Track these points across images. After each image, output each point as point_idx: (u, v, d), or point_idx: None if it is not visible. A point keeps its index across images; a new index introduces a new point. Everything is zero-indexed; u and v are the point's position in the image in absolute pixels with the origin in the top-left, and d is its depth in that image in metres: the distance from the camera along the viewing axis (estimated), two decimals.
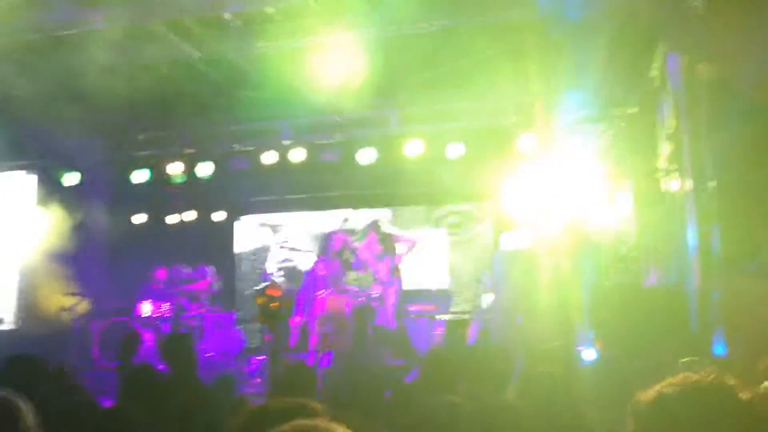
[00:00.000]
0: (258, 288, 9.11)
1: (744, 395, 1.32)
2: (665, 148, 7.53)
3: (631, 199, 8.69)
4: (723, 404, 1.30)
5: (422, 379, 4.02)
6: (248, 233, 12.41)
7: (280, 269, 11.47)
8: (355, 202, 11.72)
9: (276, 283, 7.99)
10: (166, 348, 5.04)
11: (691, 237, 6.28)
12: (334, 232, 8.66)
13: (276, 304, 7.42)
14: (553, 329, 6.89)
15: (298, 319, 8.66)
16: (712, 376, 1.37)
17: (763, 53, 5.14)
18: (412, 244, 8.91)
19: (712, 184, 5.88)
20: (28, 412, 2.37)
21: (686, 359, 4.22)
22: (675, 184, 7.16)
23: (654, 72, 7.91)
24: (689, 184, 6.39)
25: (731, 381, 1.35)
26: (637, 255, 8.56)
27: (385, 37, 8.10)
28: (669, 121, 7.17)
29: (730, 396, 1.31)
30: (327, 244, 8.50)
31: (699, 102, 6.08)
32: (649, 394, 1.39)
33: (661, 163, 7.84)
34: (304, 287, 8.66)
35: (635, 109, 8.76)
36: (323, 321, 7.96)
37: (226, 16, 7.83)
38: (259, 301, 7.51)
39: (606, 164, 8.74)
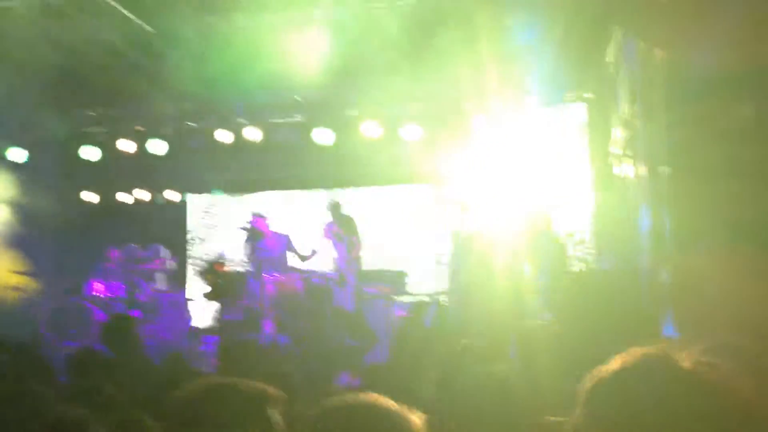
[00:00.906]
0: (205, 265, 9.02)
1: (686, 364, 1.35)
2: (620, 133, 7.66)
3: (589, 182, 8.84)
4: (665, 374, 1.32)
5: (390, 360, 4.04)
6: (201, 212, 12.23)
7: (233, 248, 11.34)
8: (312, 184, 11.64)
9: (223, 259, 7.90)
10: (106, 331, 4.96)
11: (644, 220, 6.42)
12: (256, 217, 8.57)
13: (221, 280, 7.38)
14: (509, 311, 6.99)
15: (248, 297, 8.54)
16: (654, 348, 1.40)
17: (719, 40, 5.24)
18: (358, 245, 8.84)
19: (664, 169, 6.00)
20: None
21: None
22: (629, 169, 7.30)
23: (609, 57, 8.01)
24: (642, 168, 6.51)
25: (675, 353, 1.38)
26: (593, 238, 8.73)
27: (343, 17, 8.02)
28: (624, 106, 7.29)
29: (672, 366, 1.34)
30: (253, 231, 8.41)
31: (654, 87, 6.17)
32: (593, 375, 1.42)
33: (616, 147, 7.97)
34: (255, 265, 8.56)
35: (591, 94, 8.88)
36: (278, 302, 7.90)
37: None
38: (207, 277, 7.46)
39: (563, 148, 8.86)
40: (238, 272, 8.54)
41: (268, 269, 8.12)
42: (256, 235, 8.32)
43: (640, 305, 6.15)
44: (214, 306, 7.92)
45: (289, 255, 8.79)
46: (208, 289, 7.61)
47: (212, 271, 7.47)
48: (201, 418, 1.73)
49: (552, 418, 2.87)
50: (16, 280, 8.87)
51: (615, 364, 1.38)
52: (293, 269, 8.87)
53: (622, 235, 7.63)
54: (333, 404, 1.49)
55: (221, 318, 7.98)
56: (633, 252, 7.09)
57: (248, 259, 8.38)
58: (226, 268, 7.51)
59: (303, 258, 8.73)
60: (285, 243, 8.44)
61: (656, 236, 6.20)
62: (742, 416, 1.26)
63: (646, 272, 6.47)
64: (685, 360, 1.34)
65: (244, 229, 9.06)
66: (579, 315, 6.10)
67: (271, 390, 1.78)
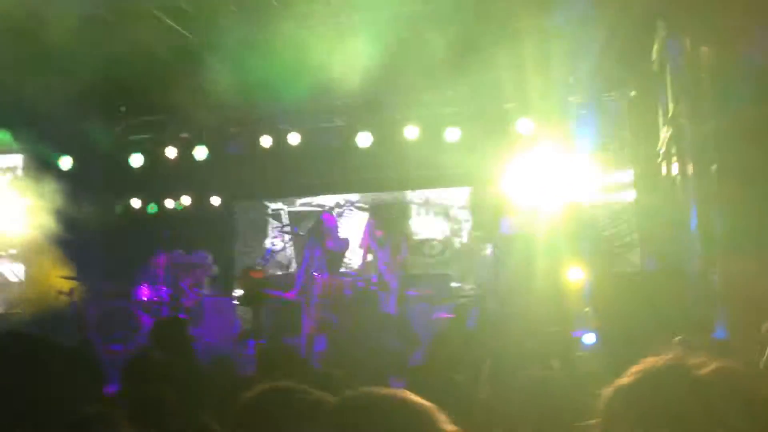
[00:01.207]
0: (241, 271, 9.09)
1: (701, 372, 1.32)
2: (665, 132, 7.52)
3: (632, 183, 8.70)
4: (679, 384, 1.30)
5: (427, 361, 4.04)
6: (247, 217, 12.38)
7: (277, 252, 11.44)
8: (354, 187, 11.69)
9: (259, 266, 7.93)
10: (158, 334, 5.03)
11: (692, 220, 6.29)
12: (327, 213, 8.55)
13: (255, 287, 7.43)
14: (552, 314, 6.91)
15: (293, 295, 8.56)
16: (668, 357, 1.37)
17: (765, 36, 5.12)
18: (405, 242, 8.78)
19: (713, 167, 5.88)
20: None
21: (679, 337, 4.22)
22: (675, 168, 7.16)
23: (654, 54, 7.88)
24: (689, 167, 6.39)
25: (690, 360, 1.36)
26: (638, 239, 8.58)
27: (382, 21, 8.05)
28: (669, 104, 7.16)
29: (686, 375, 1.31)
30: (322, 226, 8.37)
31: (700, 85, 6.06)
32: (608, 389, 1.40)
33: (662, 146, 7.83)
34: (302, 269, 8.60)
35: (635, 93, 8.74)
36: (321, 305, 7.93)
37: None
38: (242, 283, 7.53)
39: (606, 148, 8.73)
40: (274, 277, 8.58)
41: (322, 269, 8.15)
42: (323, 232, 8.32)
43: (689, 308, 6.02)
44: (254, 310, 7.98)
45: (346, 258, 8.79)
46: (242, 294, 7.71)
47: (246, 277, 7.54)
48: (265, 422, 1.74)
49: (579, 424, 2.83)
50: (64, 284, 9.08)
51: (631, 375, 1.37)
52: (341, 272, 8.92)
53: (670, 236, 7.48)
54: (355, 395, 1.49)
55: (258, 322, 8.05)
56: (681, 253, 6.95)
57: (308, 255, 8.40)
58: (260, 275, 7.56)
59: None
60: (345, 246, 8.46)
61: (704, 237, 6.07)
62: (762, 420, 1.23)
63: (694, 274, 6.34)
64: (701, 367, 1.32)
65: (311, 227, 9.10)
66: (625, 318, 6.00)
67: (329, 396, 1.78)
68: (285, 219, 12.13)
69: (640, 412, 1.32)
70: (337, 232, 8.38)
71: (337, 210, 11.63)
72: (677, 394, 1.29)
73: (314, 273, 8.17)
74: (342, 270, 8.76)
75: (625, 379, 1.39)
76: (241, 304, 8.71)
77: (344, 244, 8.42)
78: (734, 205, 5.62)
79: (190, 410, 2.74)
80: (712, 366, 1.34)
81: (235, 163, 11.37)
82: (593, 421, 1.42)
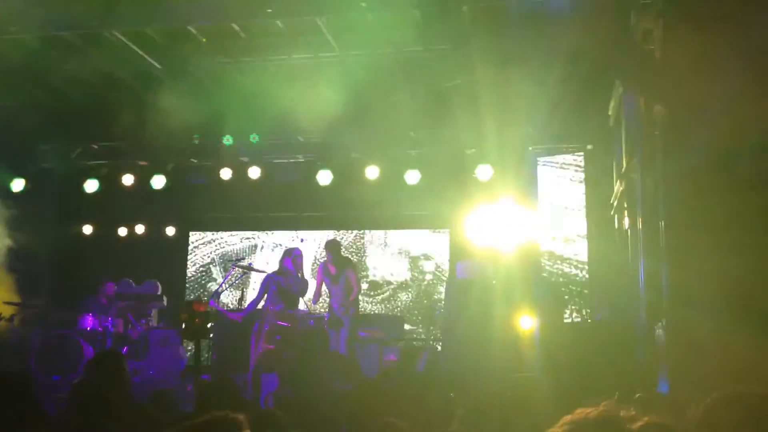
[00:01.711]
0: (184, 304, 8.92)
1: (632, 426, 1.33)
2: (619, 186, 7.70)
3: (585, 233, 8.85)
4: None
5: (365, 400, 3.98)
6: (201, 249, 12.22)
7: (230, 286, 11.29)
8: (312, 224, 11.66)
9: (201, 299, 7.77)
10: (92, 367, 4.87)
11: (640, 273, 6.40)
12: (293, 249, 8.47)
13: (198, 320, 7.29)
14: (503, 360, 6.92)
15: (238, 317, 8.40)
16: (600, 410, 1.38)
17: (718, 100, 5.31)
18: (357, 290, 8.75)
19: (661, 222, 6.02)
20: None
21: (639, 395, 4.25)
22: (626, 221, 7.31)
23: (611, 110, 8.11)
24: (640, 221, 6.53)
25: (622, 413, 1.37)
26: (590, 289, 8.69)
27: (349, 61, 8.15)
28: (623, 158, 7.35)
29: (617, 428, 1.32)
30: (285, 259, 8.29)
31: (652, 142, 6.23)
32: None
33: (615, 200, 8.00)
34: (255, 299, 8.46)
35: (591, 146, 8.96)
36: (271, 335, 7.81)
37: (191, 30, 7.79)
38: (183, 317, 7.38)
39: (562, 198, 8.89)
40: (217, 312, 8.40)
41: (275, 303, 8.03)
42: (286, 270, 8.24)
43: (635, 358, 6.08)
44: (197, 344, 7.81)
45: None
46: (183, 327, 7.55)
47: (190, 310, 7.40)
48: None
49: None
50: (6, 310, 8.80)
51: (562, 425, 1.37)
52: (292, 308, 8.82)
53: (620, 288, 7.60)
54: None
55: (199, 357, 7.88)
56: (629, 305, 7.05)
57: (262, 289, 8.28)
58: (204, 308, 7.42)
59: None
60: (304, 287, 8.35)
61: (652, 288, 6.17)
62: None
63: (641, 325, 6.42)
64: (633, 421, 1.33)
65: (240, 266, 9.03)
66: (574, 367, 6.03)
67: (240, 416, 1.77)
68: (240, 253, 12.01)
69: None
70: (300, 270, 8.30)
71: (291, 245, 11.57)
72: None
73: (268, 305, 8.06)
74: (296, 306, 8.67)
75: (556, 429, 1.38)
76: (183, 338, 8.51)
77: (303, 285, 8.32)
78: (681, 257, 5.74)
79: None
80: (643, 421, 1.35)
81: (194, 194, 11.27)
82: None
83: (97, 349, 8.99)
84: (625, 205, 7.41)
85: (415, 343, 10.22)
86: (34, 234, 10.00)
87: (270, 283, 8.19)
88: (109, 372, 4.71)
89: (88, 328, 9.32)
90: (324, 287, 8.56)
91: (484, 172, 9.50)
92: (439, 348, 9.22)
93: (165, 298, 10.36)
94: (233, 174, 10.46)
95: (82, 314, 9.54)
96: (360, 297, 9.15)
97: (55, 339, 8.97)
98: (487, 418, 3.50)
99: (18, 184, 10.66)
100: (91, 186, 10.78)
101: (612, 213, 8.23)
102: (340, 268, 8.43)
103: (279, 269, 8.31)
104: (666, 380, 5.60)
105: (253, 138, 9.91)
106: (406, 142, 9.92)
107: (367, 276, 11.35)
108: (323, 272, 8.53)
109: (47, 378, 8.62)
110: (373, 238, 11.67)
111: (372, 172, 10.04)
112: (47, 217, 10.80)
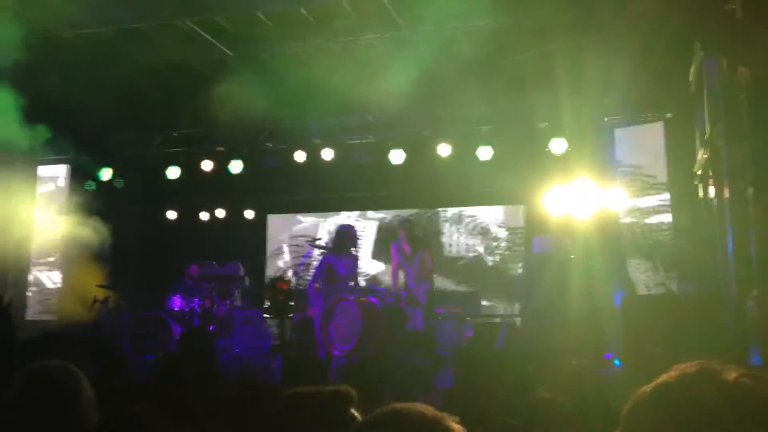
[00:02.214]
0: (268, 281, 9.11)
1: (729, 375, 1.27)
2: (702, 154, 7.40)
3: (669, 205, 8.55)
4: (707, 388, 1.25)
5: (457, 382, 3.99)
6: (280, 230, 12.49)
7: (308, 266, 11.49)
8: (386, 203, 11.72)
9: (286, 276, 7.89)
10: (184, 343, 5.09)
11: (729, 244, 6.15)
12: (351, 227, 8.41)
13: (282, 297, 7.42)
14: (583, 336, 6.81)
15: (315, 312, 8.46)
16: (697, 363, 1.33)
17: None
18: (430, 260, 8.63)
19: (749, 190, 5.76)
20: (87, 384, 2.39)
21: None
22: (712, 190, 7.03)
23: (691, 75, 7.78)
24: (726, 190, 6.26)
25: (717, 365, 1.31)
26: (674, 261, 8.41)
27: (417, 38, 8.10)
28: (706, 126, 7.04)
29: (714, 378, 1.26)
30: (346, 239, 8.22)
31: (737, 106, 5.95)
32: (632, 399, 1.37)
33: (698, 168, 7.70)
34: (324, 283, 8.52)
35: (671, 114, 8.62)
36: (349, 322, 7.90)
37: (260, 15, 7.89)
38: (267, 294, 7.53)
39: (643, 170, 8.61)
40: (301, 290, 8.54)
41: (342, 287, 8.10)
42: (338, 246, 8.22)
43: (725, 333, 5.87)
44: (281, 322, 7.97)
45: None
46: (269, 304, 7.71)
47: (273, 288, 7.55)
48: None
49: None
50: (100, 293, 9.25)
51: (655, 382, 1.33)
52: (366, 289, 8.89)
53: (706, 260, 7.33)
54: (385, 411, 1.49)
55: (285, 335, 8.05)
56: (717, 277, 6.80)
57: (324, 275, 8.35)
58: (287, 285, 7.56)
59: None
60: (355, 263, 8.37)
61: (741, 261, 5.93)
62: None
63: (731, 299, 6.19)
64: (729, 373, 1.27)
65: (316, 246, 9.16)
66: (659, 342, 5.87)
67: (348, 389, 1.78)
68: (317, 233, 12.20)
69: (663, 414, 1.28)
70: (348, 248, 8.17)
71: (363, 224, 11.69)
72: (705, 396, 1.25)
73: (339, 289, 8.08)
74: (365, 286, 8.74)
75: (651, 384, 1.35)
76: (269, 315, 8.74)
77: (352, 263, 8.20)
78: None
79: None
80: (742, 371, 1.30)
81: (270, 177, 11.50)
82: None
83: (185, 329, 9.36)
84: (710, 174, 7.11)
85: (493, 319, 10.17)
86: (122, 221, 10.47)
87: (325, 262, 8.20)
88: (197, 347, 4.92)
89: (176, 309, 9.72)
90: (400, 267, 8.59)
91: (558, 145, 9.30)
92: (519, 324, 9.14)
93: (247, 279, 10.66)
94: (307, 156, 10.63)
95: (170, 296, 9.95)
96: (435, 274, 9.15)
97: (145, 320, 9.38)
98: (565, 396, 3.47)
99: (106, 174, 11.18)
100: (172, 173, 11.19)
101: (696, 182, 7.92)
102: (415, 247, 8.44)
103: (333, 248, 8.27)
104: (758, 353, 5.39)
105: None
106: (477, 117, 9.81)
107: (443, 253, 11.33)
108: (397, 251, 8.56)
109: (140, 356, 9.04)
110: (447, 215, 11.63)
111: (444, 150, 9.99)
112: (133, 205, 11.27)
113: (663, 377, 1.32)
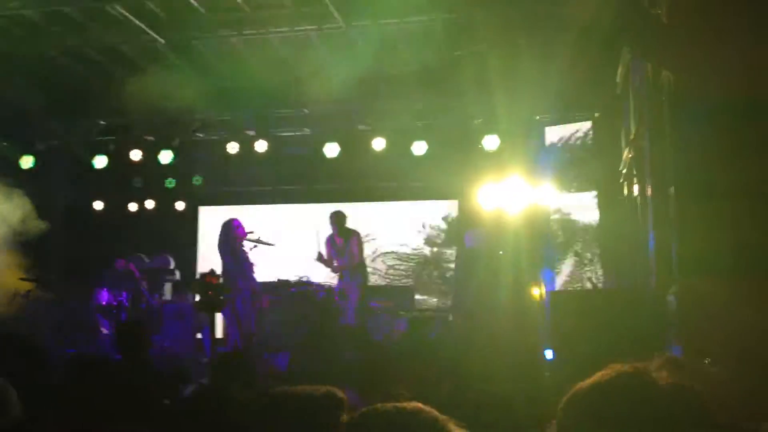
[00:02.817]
0: (198, 276, 8.98)
1: (660, 383, 1.33)
2: (627, 153, 7.65)
3: (595, 203, 8.82)
4: (639, 392, 1.31)
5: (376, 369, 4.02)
6: (212, 223, 12.26)
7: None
8: (320, 197, 11.67)
9: (215, 271, 7.79)
10: (121, 336, 5.00)
11: (650, 241, 6.39)
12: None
13: (211, 292, 7.35)
14: (514, 328, 6.96)
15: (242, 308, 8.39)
16: (631, 366, 1.38)
17: (726, 65, 5.25)
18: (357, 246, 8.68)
19: (671, 189, 5.98)
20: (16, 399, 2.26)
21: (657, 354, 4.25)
22: (636, 189, 7.28)
23: (618, 77, 8.03)
24: (649, 188, 6.49)
25: (652, 371, 1.37)
26: (600, 258, 8.69)
27: (354, 33, 8.08)
28: (631, 126, 7.29)
29: (646, 383, 1.33)
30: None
31: (661, 108, 6.17)
32: (570, 391, 1.41)
33: (623, 168, 7.96)
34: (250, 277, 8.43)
35: (599, 114, 8.89)
36: (279, 316, 7.86)
37: (193, 2, 7.72)
38: (195, 289, 7.45)
39: (570, 167, 8.85)
40: (229, 284, 8.39)
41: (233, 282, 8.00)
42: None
43: (646, 327, 6.09)
44: (211, 317, 7.88)
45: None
46: (198, 299, 7.61)
47: (203, 283, 7.46)
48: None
49: None
50: (22, 286, 8.91)
51: (591, 380, 1.37)
52: (297, 283, 8.84)
53: (629, 256, 7.59)
54: (375, 410, 1.47)
55: (213, 330, 7.96)
56: (639, 272, 7.05)
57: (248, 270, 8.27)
58: (216, 280, 7.47)
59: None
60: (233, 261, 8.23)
61: (662, 257, 6.16)
62: None
63: (651, 294, 6.43)
64: (661, 373, 1.33)
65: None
66: (583, 335, 6.05)
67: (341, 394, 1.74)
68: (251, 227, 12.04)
69: (595, 412, 1.32)
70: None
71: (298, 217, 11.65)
72: (635, 399, 1.30)
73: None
74: (297, 280, 8.70)
75: (585, 382, 1.39)
76: (198, 310, 8.61)
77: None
78: (691, 225, 5.71)
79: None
80: (673, 380, 1.35)
81: (201, 168, 11.29)
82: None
83: (113, 323, 9.12)
84: (634, 173, 7.37)
85: (425, 313, 10.28)
86: (45, 211, 10.09)
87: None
88: (134, 341, 4.82)
89: (104, 303, 9.45)
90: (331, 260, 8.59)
91: (491, 142, 9.46)
92: (450, 318, 9.27)
93: (177, 272, 10.45)
94: (240, 148, 10.46)
95: (97, 289, 9.67)
96: (369, 268, 9.19)
97: (70, 313, 9.10)
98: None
99: (27, 162, 10.72)
100: (100, 162, 10.82)
101: (621, 181, 8.19)
102: (346, 239, 8.46)
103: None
104: (678, 347, 5.61)
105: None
106: (412, 113, 9.87)
107: (376, 248, 11.38)
108: (330, 244, 8.56)
109: (62, 351, 8.75)
110: (381, 209, 11.67)
111: (379, 144, 10.01)
112: (58, 194, 10.88)
113: (598, 375, 1.36)
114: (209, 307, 7.53)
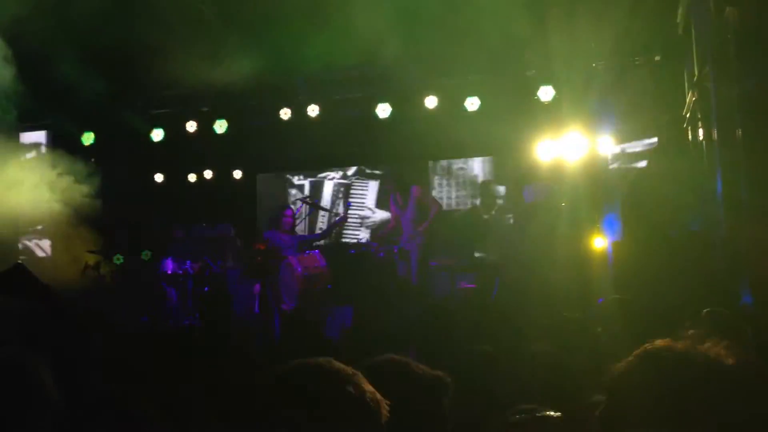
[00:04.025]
0: (248, 243, 9.15)
1: (717, 362, 1.29)
2: (691, 97, 7.37)
3: (657, 149, 8.55)
4: (690, 370, 1.27)
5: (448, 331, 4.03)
6: (269, 190, 12.43)
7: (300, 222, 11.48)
8: (374, 158, 11.66)
9: (264, 237, 7.93)
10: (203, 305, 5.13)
11: (718, 186, 6.18)
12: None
13: (260, 258, 7.45)
14: (573, 282, 6.87)
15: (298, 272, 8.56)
16: (687, 344, 1.34)
17: None
18: (435, 208, 8.70)
19: (738, 132, 5.75)
20: (45, 373, 2.02)
21: (707, 309, 4.15)
22: (700, 133, 7.03)
23: (679, 17, 7.70)
24: (715, 132, 6.26)
25: (707, 348, 1.32)
26: (663, 205, 8.45)
27: None
28: (695, 68, 7.00)
29: (701, 363, 1.28)
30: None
31: (725, 48, 5.90)
32: (619, 365, 1.38)
33: (687, 112, 7.68)
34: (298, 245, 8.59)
35: (659, 57, 8.56)
36: (339, 277, 7.95)
37: None
38: (245, 256, 7.58)
39: (631, 114, 8.58)
40: (279, 250, 8.52)
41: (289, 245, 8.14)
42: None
43: (714, 275, 5.93)
44: (262, 282, 8.01)
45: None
46: (247, 265, 7.76)
47: (251, 249, 7.60)
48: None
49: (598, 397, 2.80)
50: (90, 258, 9.22)
51: (637, 355, 1.34)
52: (356, 245, 8.93)
53: (695, 203, 7.37)
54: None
55: (266, 294, 8.09)
56: (706, 218, 6.84)
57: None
58: (264, 246, 7.58)
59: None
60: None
61: (729, 204, 5.96)
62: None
63: (719, 241, 6.24)
64: (710, 351, 1.29)
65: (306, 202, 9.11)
66: (649, 285, 5.93)
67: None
68: (306, 191, 12.16)
69: (646, 387, 1.29)
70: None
71: (356, 179, 11.69)
72: (682, 374, 1.26)
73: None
74: (355, 242, 8.80)
75: (633, 359, 1.37)
76: (249, 276, 8.77)
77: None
78: (760, 170, 5.51)
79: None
80: (730, 360, 1.31)
81: (256, 136, 11.38)
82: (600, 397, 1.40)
83: (179, 292, 9.38)
84: (699, 117, 7.10)
85: (486, 270, 10.23)
86: (108, 186, 10.38)
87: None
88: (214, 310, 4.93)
89: (169, 272, 9.72)
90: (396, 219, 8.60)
91: (546, 93, 9.24)
92: (510, 273, 9.21)
93: (239, 240, 10.64)
94: (293, 114, 10.50)
95: (162, 259, 9.94)
96: (427, 225, 9.14)
97: (138, 284, 9.39)
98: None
99: (88, 138, 11.02)
100: (157, 135, 11.05)
101: (685, 125, 7.91)
102: (405, 195, 8.45)
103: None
104: (749, 293, 5.45)
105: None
106: (463, 68, 9.69)
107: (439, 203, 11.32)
108: (393, 203, 8.58)
109: (136, 320, 9.06)
110: (436, 168, 11.59)
111: (431, 102, 9.91)
112: (119, 168, 11.15)
113: (648, 347, 1.32)
114: (259, 273, 7.66)
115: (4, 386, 1.88)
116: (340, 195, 11.79)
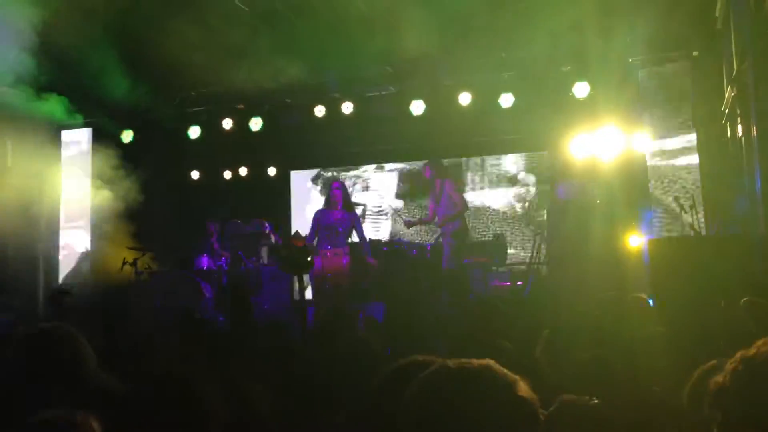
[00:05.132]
0: (284, 239, 9.17)
1: None
2: (730, 92, 7.22)
3: (695, 145, 8.40)
4: None
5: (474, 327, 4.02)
6: (304, 186, 12.52)
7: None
8: (408, 155, 11.67)
9: (299, 234, 7.91)
10: (227, 300, 5.20)
11: (757, 183, 6.05)
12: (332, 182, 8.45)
13: (296, 254, 7.47)
14: (608, 280, 6.78)
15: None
16: None
17: None
18: (459, 209, 8.65)
19: None
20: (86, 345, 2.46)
21: (745, 299, 4.07)
22: (740, 129, 6.88)
23: (718, 12, 7.55)
24: (754, 128, 6.12)
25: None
26: (701, 203, 8.30)
27: None
28: (734, 63, 6.86)
29: None
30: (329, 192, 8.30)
31: (765, 42, 5.78)
32: (722, 375, 1.33)
33: (726, 107, 7.53)
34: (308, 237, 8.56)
35: (698, 52, 8.40)
36: (372, 273, 7.95)
37: None
38: (281, 253, 7.59)
39: (668, 110, 8.44)
40: (312, 246, 8.48)
41: (331, 240, 8.11)
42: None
43: (752, 273, 5.80)
44: (298, 278, 8.03)
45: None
46: (282, 261, 7.77)
47: (287, 246, 7.61)
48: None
49: (657, 389, 2.76)
50: (130, 255, 9.38)
51: (740, 362, 1.30)
52: (389, 242, 8.92)
53: (733, 200, 7.22)
54: (449, 367, 1.43)
55: (302, 291, 8.11)
56: (744, 217, 6.71)
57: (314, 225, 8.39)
58: (302, 243, 7.59)
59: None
60: (341, 219, 8.29)
61: None
62: None
63: (758, 238, 6.11)
64: None
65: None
66: (686, 283, 5.83)
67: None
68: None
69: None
70: (338, 204, 8.21)
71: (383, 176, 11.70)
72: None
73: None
74: (390, 240, 8.77)
75: (733, 365, 1.32)
76: (284, 272, 8.81)
77: (344, 221, 8.22)
78: None
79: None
80: None
81: (290, 133, 11.47)
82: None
83: (215, 287, 9.50)
84: (738, 113, 6.95)
85: (519, 267, 10.17)
86: (147, 183, 10.55)
87: (315, 216, 8.28)
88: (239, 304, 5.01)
89: (204, 268, 9.85)
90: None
91: (581, 89, 9.14)
92: (543, 271, 9.15)
93: (273, 236, 10.74)
94: (326, 111, 10.57)
95: (197, 255, 10.08)
96: (465, 220, 9.07)
97: (175, 280, 9.53)
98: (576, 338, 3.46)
99: (127, 136, 11.24)
100: (194, 132, 11.22)
101: (723, 122, 7.76)
102: (441, 184, 8.44)
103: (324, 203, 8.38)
104: None
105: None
106: (497, 64, 9.64)
107: (467, 203, 11.28)
108: (431, 194, 8.58)
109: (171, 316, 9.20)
110: (470, 165, 11.56)
111: (465, 98, 9.87)
112: (157, 166, 11.33)
113: (748, 353, 1.28)
114: (295, 269, 7.70)
115: (58, 347, 2.43)
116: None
